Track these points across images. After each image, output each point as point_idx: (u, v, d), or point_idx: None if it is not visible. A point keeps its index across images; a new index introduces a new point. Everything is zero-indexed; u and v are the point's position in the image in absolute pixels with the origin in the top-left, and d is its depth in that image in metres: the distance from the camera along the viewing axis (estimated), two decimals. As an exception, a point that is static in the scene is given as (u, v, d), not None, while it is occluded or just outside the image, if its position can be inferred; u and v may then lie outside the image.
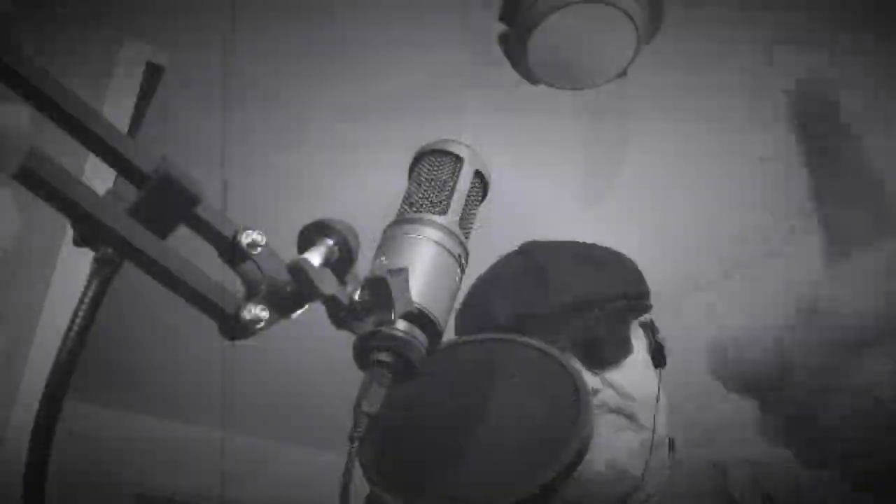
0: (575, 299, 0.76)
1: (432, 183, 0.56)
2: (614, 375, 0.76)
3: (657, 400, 0.77)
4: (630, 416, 0.75)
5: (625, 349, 0.78)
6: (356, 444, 0.47)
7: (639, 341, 0.80)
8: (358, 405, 0.48)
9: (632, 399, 0.76)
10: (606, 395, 0.75)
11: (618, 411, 0.75)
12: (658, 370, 0.79)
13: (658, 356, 0.80)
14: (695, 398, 1.26)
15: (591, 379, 0.74)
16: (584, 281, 0.78)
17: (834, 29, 1.63)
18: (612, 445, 0.73)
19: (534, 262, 0.81)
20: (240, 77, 1.83)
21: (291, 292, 0.43)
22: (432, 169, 0.57)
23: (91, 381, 2.88)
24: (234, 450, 3.46)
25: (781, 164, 2.03)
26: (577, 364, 0.72)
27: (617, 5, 1.52)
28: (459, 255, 0.54)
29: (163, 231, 0.39)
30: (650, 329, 0.81)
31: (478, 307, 0.80)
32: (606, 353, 0.76)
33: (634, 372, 0.78)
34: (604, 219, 2.12)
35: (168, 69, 1.67)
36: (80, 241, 0.39)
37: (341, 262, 0.47)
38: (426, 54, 1.77)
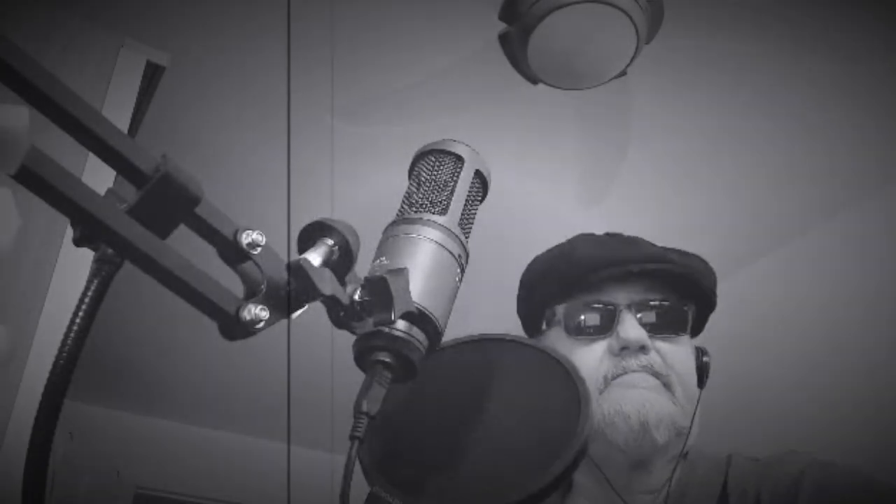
0: (657, 257, 0.84)
1: (432, 183, 0.56)
2: (664, 345, 0.83)
3: (694, 412, 0.83)
4: (666, 385, 0.81)
5: (680, 325, 0.85)
6: (356, 444, 0.47)
7: (690, 353, 0.86)
8: (358, 405, 0.48)
9: (671, 368, 0.82)
10: (652, 359, 0.81)
11: (656, 375, 0.81)
12: (699, 389, 0.85)
13: (701, 376, 0.86)
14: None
15: (640, 335, 0.81)
16: (669, 250, 0.87)
17: (836, 28, 1.63)
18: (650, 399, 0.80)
19: (621, 234, 0.90)
20: (240, 77, 1.83)
21: (291, 292, 0.43)
22: (433, 169, 0.57)
23: (91, 381, 2.89)
24: (233, 449, 3.46)
25: (782, 164, 2.03)
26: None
27: (617, 5, 1.52)
28: (459, 256, 0.54)
29: (163, 231, 0.39)
30: (700, 351, 0.87)
31: (563, 254, 0.88)
32: (665, 318, 0.83)
33: (682, 353, 0.84)
34: (604, 219, 2.12)
35: (168, 69, 1.68)
36: (80, 241, 0.39)
37: (341, 262, 0.47)
38: (426, 54, 1.77)
